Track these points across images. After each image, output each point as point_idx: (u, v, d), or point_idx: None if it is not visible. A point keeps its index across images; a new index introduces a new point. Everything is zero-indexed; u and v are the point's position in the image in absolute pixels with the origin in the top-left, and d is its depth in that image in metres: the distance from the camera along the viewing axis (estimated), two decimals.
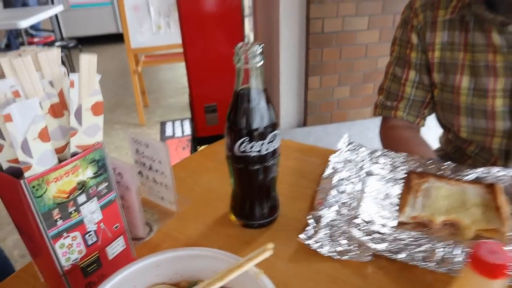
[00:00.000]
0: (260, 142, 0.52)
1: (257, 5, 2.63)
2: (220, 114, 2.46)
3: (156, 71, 4.51)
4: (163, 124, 3.25)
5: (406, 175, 0.71)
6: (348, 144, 0.82)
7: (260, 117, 0.51)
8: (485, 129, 0.88)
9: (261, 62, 0.50)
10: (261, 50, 0.49)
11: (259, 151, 0.52)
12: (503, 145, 0.88)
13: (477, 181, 0.68)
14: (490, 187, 0.65)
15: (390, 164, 0.75)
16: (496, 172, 0.70)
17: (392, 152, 0.78)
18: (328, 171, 0.73)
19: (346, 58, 2.37)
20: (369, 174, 0.72)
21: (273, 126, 0.53)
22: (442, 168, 0.73)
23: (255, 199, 0.59)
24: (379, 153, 0.79)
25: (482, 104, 0.86)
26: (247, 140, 0.51)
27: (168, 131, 3.14)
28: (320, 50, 2.31)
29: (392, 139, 0.99)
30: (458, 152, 1.00)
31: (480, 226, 0.58)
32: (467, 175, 0.71)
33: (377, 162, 0.76)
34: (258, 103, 0.51)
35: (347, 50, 2.35)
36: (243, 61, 0.49)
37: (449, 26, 0.88)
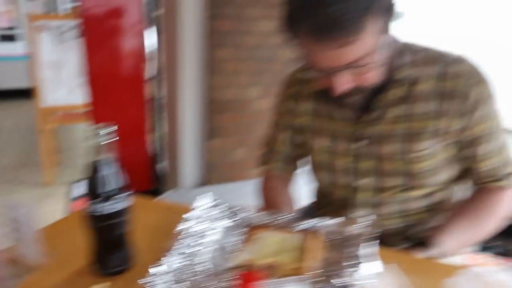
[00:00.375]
0: (107, 203, 0.65)
1: (166, 71, 2.82)
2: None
3: (71, 129, 4.44)
4: (72, 184, 3.20)
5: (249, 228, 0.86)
6: (211, 202, 0.94)
7: (107, 183, 0.65)
8: (334, 183, 1.05)
9: (110, 140, 0.64)
10: (110, 131, 0.64)
11: (106, 211, 0.65)
12: (344, 196, 1.04)
13: (303, 229, 0.83)
14: (310, 234, 0.80)
15: (241, 219, 0.89)
16: (320, 222, 0.85)
17: (245, 209, 0.92)
18: (183, 226, 0.83)
19: (244, 122, 2.60)
20: (218, 228, 0.86)
21: (120, 189, 0.67)
22: (279, 220, 0.87)
23: (108, 251, 0.71)
24: (233, 209, 0.92)
25: (332, 162, 1.03)
26: (95, 202, 0.64)
27: (77, 191, 3.09)
28: (219, 115, 2.52)
29: (265, 189, 1.15)
30: (319, 202, 1.19)
31: (290, 265, 0.73)
32: (299, 225, 0.85)
33: (229, 217, 0.89)
34: (106, 172, 0.65)
35: (245, 115, 2.59)
36: (95, 140, 0.64)
37: (314, 96, 1.05)
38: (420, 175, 0.95)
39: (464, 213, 0.98)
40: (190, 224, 0.85)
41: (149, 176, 2.79)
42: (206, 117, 2.54)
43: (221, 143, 2.61)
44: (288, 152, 1.14)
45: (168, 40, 2.64)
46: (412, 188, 0.98)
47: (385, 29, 0.81)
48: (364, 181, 1.00)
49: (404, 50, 0.93)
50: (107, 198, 0.65)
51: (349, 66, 0.79)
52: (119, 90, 2.46)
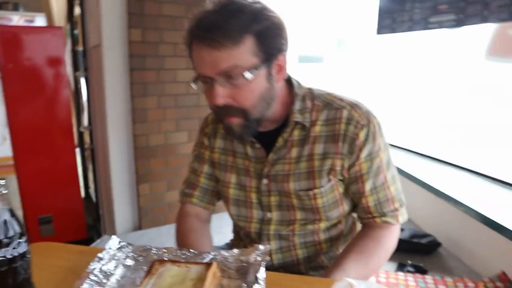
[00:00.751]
0: (3, 250, 0.71)
1: (95, 120, 2.87)
2: (57, 224, 2.50)
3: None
4: None
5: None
6: (118, 244, 0.97)
7: (3, 230, 0.72)
8: (246, 216, 1.12)
9: (3, 192, 0.72)
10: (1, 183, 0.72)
11: (2, 256, 0.71)
12: (257, 229, 1.11)
13: (203, 262, 0.89)
14: (208, 265, 0.85)
15: (143, 257, 0.94)
16: (220, 254, 0.91)
17: (148, 248, 0.97)
18: (92, 266, 0.88)
19: (172, 166, 2.67)
20: (126, 266, 0.93)
21: (14, 236, 0.73)
22: (184, 255, 0.93)
23: None
24: (140, 249, 0.96)
25: (243, 197, 1.10)
26: None
27: None
28: (147, 160, 2.59)
29: (183, 225, 1.18)
30: (237, 236, 1.24)
31: None
32: (203, 258, 0.91)
33: (139, 256, 0.94)
34: (2, 219, 0.72)
35: (172, 160, 2.66)
36: None
37: (224, 136, 1.14)
38: (322, 209, 1.04)
39: (352, 249, 1.01)
40: (98, 265, 0.89)
41: (84, 225, 2.77)
42: (136, 164, 2.60)
43: (151, 187, 2.66)
44: (208, 184, 1.19)
45: (97, 91, 2.71)
46: (318, 220, 1.06)
47: (264, 57, 0.90)
48: (273, 215, 1.08)
49: (306, 95, 1.04)
50: (4, 244, 0.72)
51: (223, 73, 0.89)
52: (46, 141, 2.47)
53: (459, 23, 2.14)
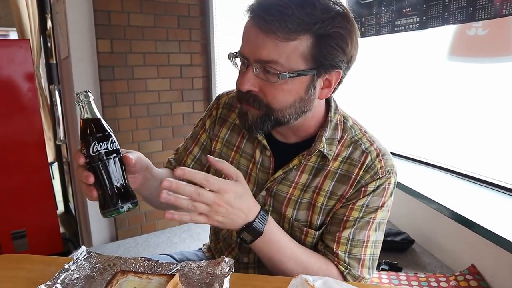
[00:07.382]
0: (105, 142, 0.80)
1: (69, 133, 2.85)
2: (31, 238, 2.46)
3: None
4: None
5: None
6: (86, 254, 0.98)
7: (100, 128, 0.81)
8: None
9: (90, 100, 0.79)
10: (86, 93, 0.78)
11: (106, 148, 0.80)
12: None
13: (165, 273, 0.88)
14: (170, 277, 0.83)
15: (112, 266, 0.94)
16: (183, 265, 0.91)
17: (116, 258, 0.95)
18: (56, 277, 0.87)
19: None
20: (89, 277, 0.90)
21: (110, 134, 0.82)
22: (150, 266, 0.93)
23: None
24: (108, 259, 0.95)
25: None
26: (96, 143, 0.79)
27: None
28: None
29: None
30: (213, 237, 1.18)
31: None
32: (170, 270, 0.90)
33: (105, 266, 0.94)
34: (97, 119, 0.82)
35: None
36: (77, 100, 0.78)
37: (232, 128, 1.05)
38: (308, 245, 0.96)
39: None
40: (62, 275, 0.88)
41: (59, 238, 2.73)
42: None
43: None
44: (193, 168, 1.09)
45: (68, 103, 2.69)
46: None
47: (313, 66, 0.81)
48: None
49: (339, 123, 0.96)
50: (104, 138, 0.81)
51: (261, 62, 0.80)
52: (17, 155, 2.44)
53: (422, 25, 2.20)
